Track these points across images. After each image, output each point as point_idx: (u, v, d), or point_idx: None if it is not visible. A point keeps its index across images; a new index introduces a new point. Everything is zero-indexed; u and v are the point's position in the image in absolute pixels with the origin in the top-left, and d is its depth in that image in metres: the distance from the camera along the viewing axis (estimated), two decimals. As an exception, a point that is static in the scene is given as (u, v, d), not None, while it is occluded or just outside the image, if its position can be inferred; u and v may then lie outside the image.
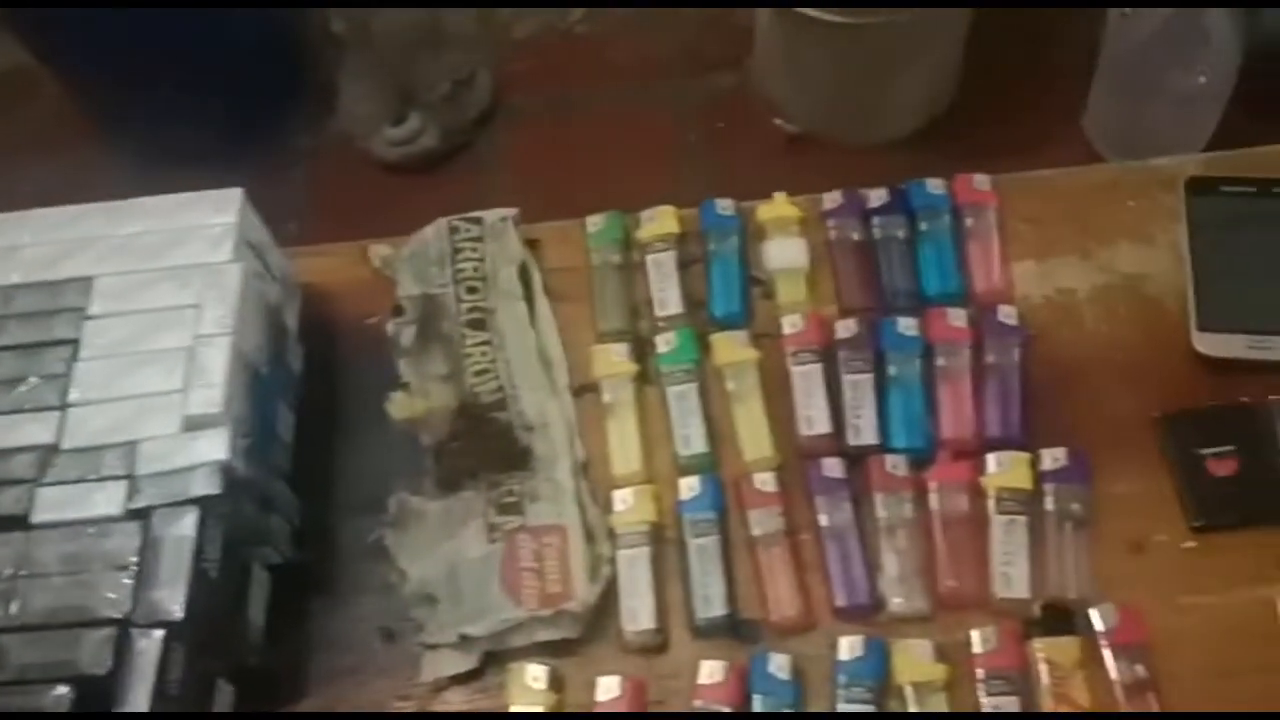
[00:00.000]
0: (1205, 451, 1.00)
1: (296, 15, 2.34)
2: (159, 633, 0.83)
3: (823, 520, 1.00)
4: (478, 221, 1.13)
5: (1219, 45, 1.89)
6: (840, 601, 0.97)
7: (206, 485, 0.86)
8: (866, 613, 0.97)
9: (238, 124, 2.14)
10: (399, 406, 1.05)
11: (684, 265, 1.14)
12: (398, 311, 1.09)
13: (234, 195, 1.01)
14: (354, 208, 1.95)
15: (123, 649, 0.83)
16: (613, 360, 1.08)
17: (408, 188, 2.19)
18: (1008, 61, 2.16)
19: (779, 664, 0.94)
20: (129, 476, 0.88)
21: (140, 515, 0.87)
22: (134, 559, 0.85)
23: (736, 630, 0.98)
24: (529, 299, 1.11)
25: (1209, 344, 1.04)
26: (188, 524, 0.86)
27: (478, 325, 1.09)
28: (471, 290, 1.10)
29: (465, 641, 0.96)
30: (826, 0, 1.89)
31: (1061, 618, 0.95)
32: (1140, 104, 1.94)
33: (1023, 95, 2.09)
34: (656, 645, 0.98)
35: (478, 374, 1.07)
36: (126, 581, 0.84)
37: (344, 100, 2.28)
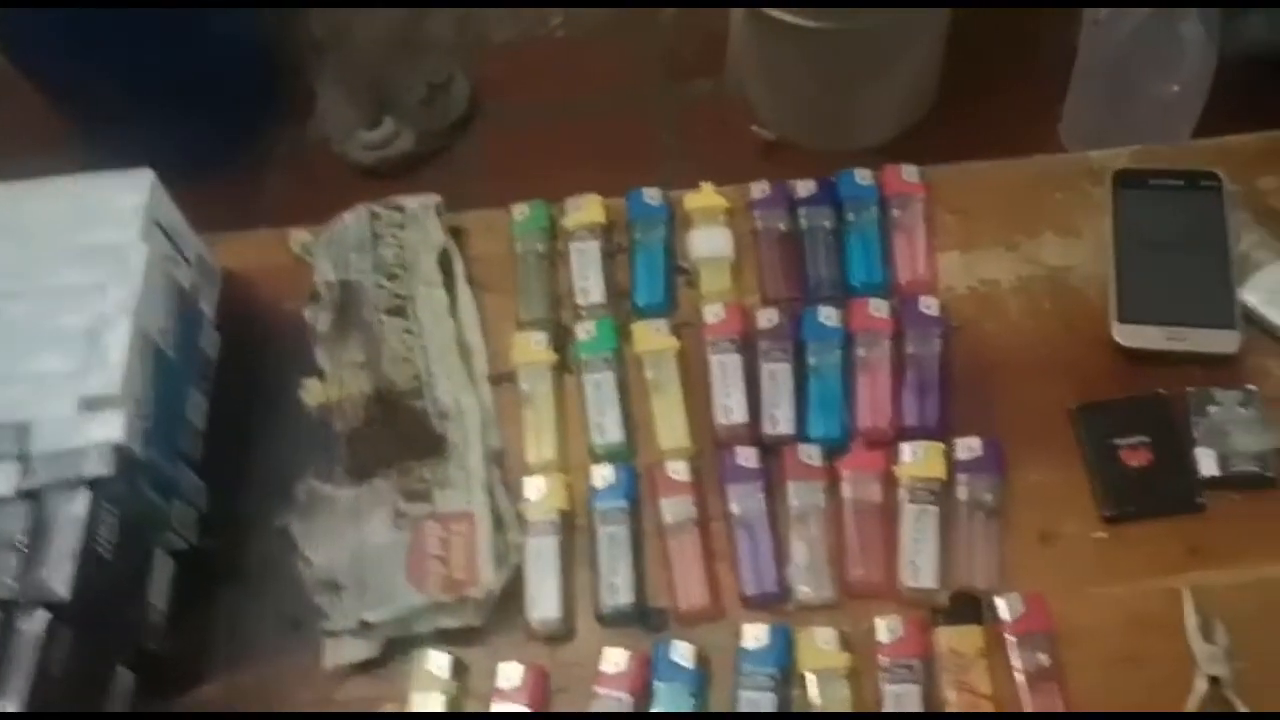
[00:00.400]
0: (1119, 442, 1.00)
1: (276, 19, 2.34)
2: (43, 613, 0.82)
3: (734, 509, 0.99)
4: (399, 208, 1.12)
5: (1193, 53, 1.88)
6: (748, 590, 0.96)
7: (100, 466, 0.86)
8: (774, 601, 0.96)
9: (215, 127, 2.14)
10: (312, 393, 1.05)
11: (609, 254, 1.14)
12: (315, 298, 1.08)
13: (145, 176, 1.00)
14: (328, 211, 1.95)
15: (6, 629, 0.82)
16: (532, 349, 1.07)
17: (383, 192, 2.18)
18: (986, 68, 2.16)
19: (682, 652, 0.93)
20: (21, 456, 0.87)
21: (32, 496, 0.86)
22: (23, 539, 0.84)
23: (642, 618, 0.97)
24: (450, 287, 1.10)
25: (1127, 335, 1.03)
26: (79, 505, 0.85)
27: (397, 312, 1.09)
28: (391, 277, 1.10)
29: (366, 629, 0.95)
30: (795, 1, 1.89)
31: (968, 607, 0.94)
32: (1115, 111, 1.93)
33: (1001, 101, 2.08)
34: (562, 633, 0.97)
35: (394, 361, 1.07)
36: (14, 562, 0.83)
37: (321, 104, 2.28)
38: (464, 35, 2.34)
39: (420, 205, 1.12)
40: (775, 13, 1.89)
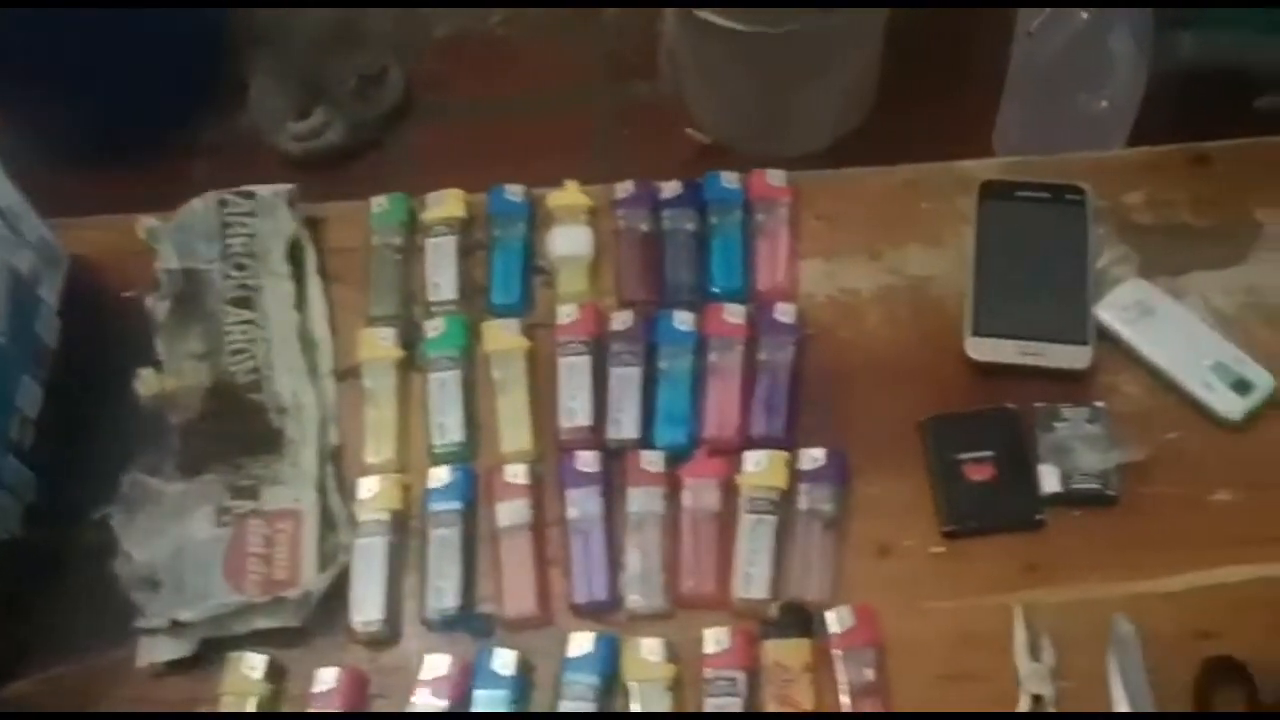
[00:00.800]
0: (964, 456, 0.98)
1: (211, 10, 2.31)
2: None
3: (571, 514, 0.97)
4: (250, 196, 1.09)
5: (1123, 67, 1.87)
6: (578, 598, 0.95)
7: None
8: (605, 610, 0.94)
9: (145, 117, 2.11)
10: (147, 384, 1.02)
11: (468, 251, 1.11)
12: (157, 286, 1.05)
13: (-26, 155, 0.96)
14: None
15: None
16: (377, 344, 1.05)
17: (311, 183, 2.16)
18: (924, 74, 2.14)
19: (503, 660, 0.92)
20: None
21: None
22: None
23: (468, 624, 0.94)
24: (301, 279, 1.07)
25: (981, 349, 1.01)
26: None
27: (242, 303, 1.06)
28: (240, 267, 1.07)
29: (180, 627, 0.92)
30: (724, 1, 1.86)
31: (797, 619, 0.92)
32: (1045, 123, 1.92)
33: (939, 108, 2.07)
34: (386, 637, 0.95)
35: (235, 353, 1.05)
36: None
37: (252, 93, 2.25)
38: (401, 28, 2.31)
39: (272, 194, 1.09)
40: (707, 15, 1.86)
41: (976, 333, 1.01)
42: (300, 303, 1.06)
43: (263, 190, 1.10)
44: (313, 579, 0.93)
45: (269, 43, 2.33)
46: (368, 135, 2.22)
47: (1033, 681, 0.89)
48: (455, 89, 2.36)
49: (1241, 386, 0.98)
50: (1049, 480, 0.96)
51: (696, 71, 2.12)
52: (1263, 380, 0.98)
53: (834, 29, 1.93)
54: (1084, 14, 1.85)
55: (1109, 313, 1.02)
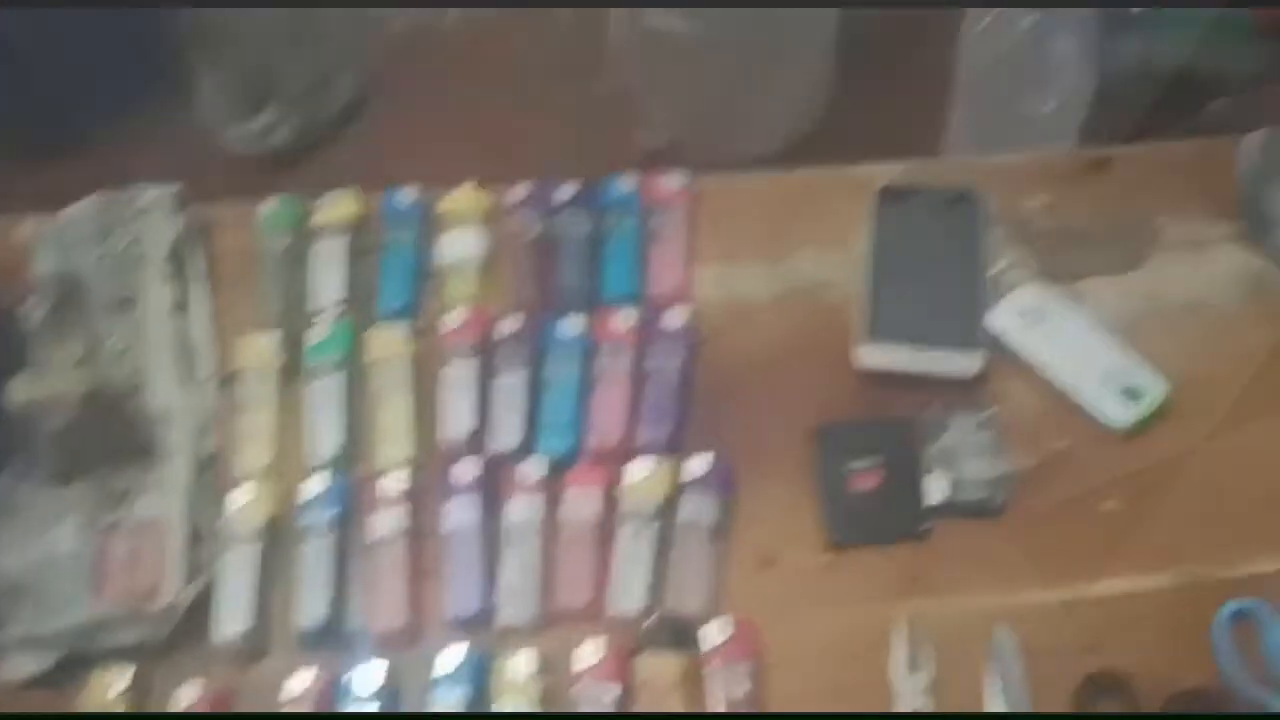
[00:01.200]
0: (853, 466, 0.96)
1: (162, 8, 2.29)
2: None
3: (448, 525, 0.94)
4: (133, 199, 1.06)
5: (1069, 70, 1.85)
6: (450, 611, 0.92)
7: None
8: (478, 623, 0.91)
9: (97, 114, 2.08)
10: (20, 390, 0.99)
11: (360, 254, 1.08)
12: (34, 290, 1.02)
13: None
14: (207, 200, 1.92)
15: None
16: (258, 350, 1.02)
17: (262, 181, 2.13)
18: (878, 76, 2.12)
19: (369, 675, 0.88)
20: None
21: None
22: None
23: (338, 638, 0.91)
24: (184, 282, 1.04)
25: (872, 356, 0.99)
26: None
27: (121, 308, 1.03)
28: (120, 271, 1.04)
29: (40, 641, 0.88)
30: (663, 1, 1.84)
31: (672, 632, 0.89)
32: (994, 127, 1.90)
33: (891, 112, 2.05)
34: (252, 651, 0.91)
35: (112, 359, 1.01)
36: None
37: (203, 90, 2.22)
38: (354, 27, 2.28)
39: (156, 196, 1.06)
40: (654, 19, 1.84)
41: (868, 339, 0.99)
42: (182, 307, 1.03)
43: (148, 192, 1.06)
44: (177, 591, 0.90)
45: (219, 40, 2.30)
46: (319, 134, 2.19)
47: (909, 696, 0.86)
48: (407, 86, 2.34)
49: (1132, 394, 0.96)
50: (936, 490, 0.94)
51: (646, 73, 2.10)
52: (1154, 387, 0.96)
53: (779, 32, 1.91)
54: (1028, 17, 1.83)
55: (1002, 318, 1.00)
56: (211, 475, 0.98)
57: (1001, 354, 1.00)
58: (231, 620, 0.91)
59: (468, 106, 2.34)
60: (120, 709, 0.89)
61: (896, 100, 2.14)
